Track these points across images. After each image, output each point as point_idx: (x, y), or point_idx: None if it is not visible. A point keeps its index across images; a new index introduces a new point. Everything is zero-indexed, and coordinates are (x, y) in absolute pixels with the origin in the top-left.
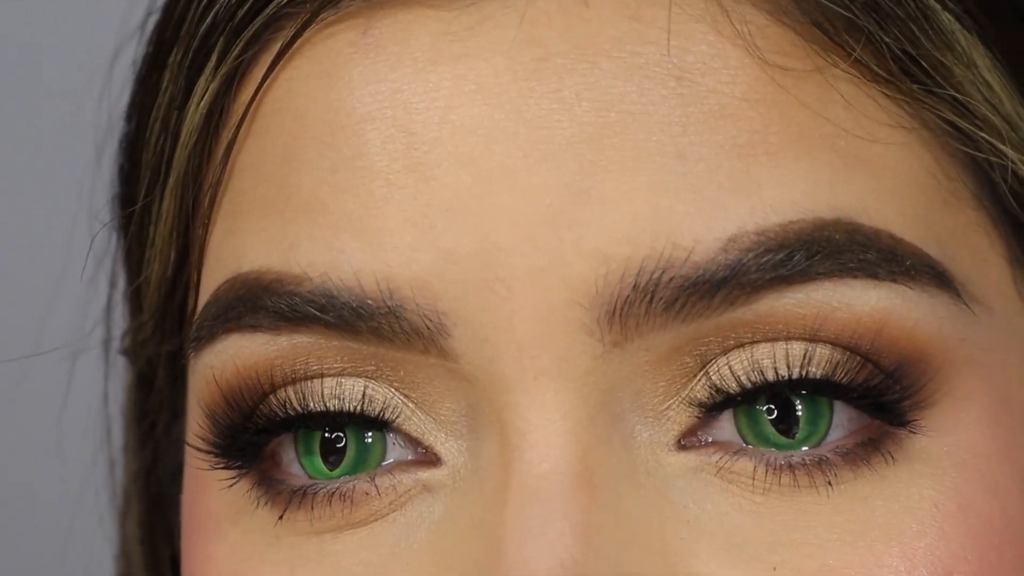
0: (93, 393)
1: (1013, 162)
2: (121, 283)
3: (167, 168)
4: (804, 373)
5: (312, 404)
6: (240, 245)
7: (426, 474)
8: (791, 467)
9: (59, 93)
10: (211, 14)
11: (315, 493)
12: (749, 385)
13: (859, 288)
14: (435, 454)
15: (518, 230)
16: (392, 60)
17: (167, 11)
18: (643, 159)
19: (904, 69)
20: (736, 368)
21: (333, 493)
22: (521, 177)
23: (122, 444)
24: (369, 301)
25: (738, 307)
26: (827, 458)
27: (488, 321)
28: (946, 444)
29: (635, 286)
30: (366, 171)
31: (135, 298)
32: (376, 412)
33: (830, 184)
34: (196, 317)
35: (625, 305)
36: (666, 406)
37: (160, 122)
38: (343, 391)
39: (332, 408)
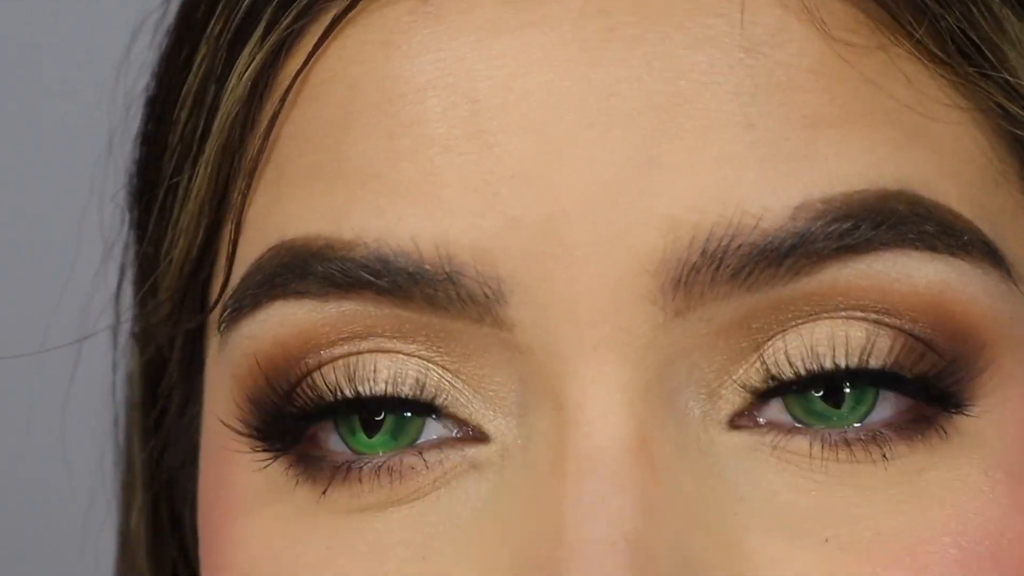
0: (100, 384)
1: None
2: (131, 272)
3: (200, 143)
4: (864, 361)
5: (364, 388)
6: (285, 213)
7: (473, 450)
8: (847, 443)
9: (72, 76)
10: None
11: (361, 468)
12: (804, 373)
13: (918, 260)
14: (483, 432)
15: (584, 198)
16: (453, 29)
17: None
18: (712, 128)
19: (961, 50)
20: (792, 354)
21: (380, 467)
22: (588, 145)
23: (125, 436)
24: (426, 266)
25: (802, 277)
26: (882, 433)
27: (548, 288)
28: (993, 421)
29: (703, 252)
30: (425, 138)
31: (151, 281)
32: (429, 398)
33: (894, 157)
34: (235, 288)
35: (692, 272)
36: (719, 383)
37: (193, 96)
38: (396, 374)
39: (387, 392)
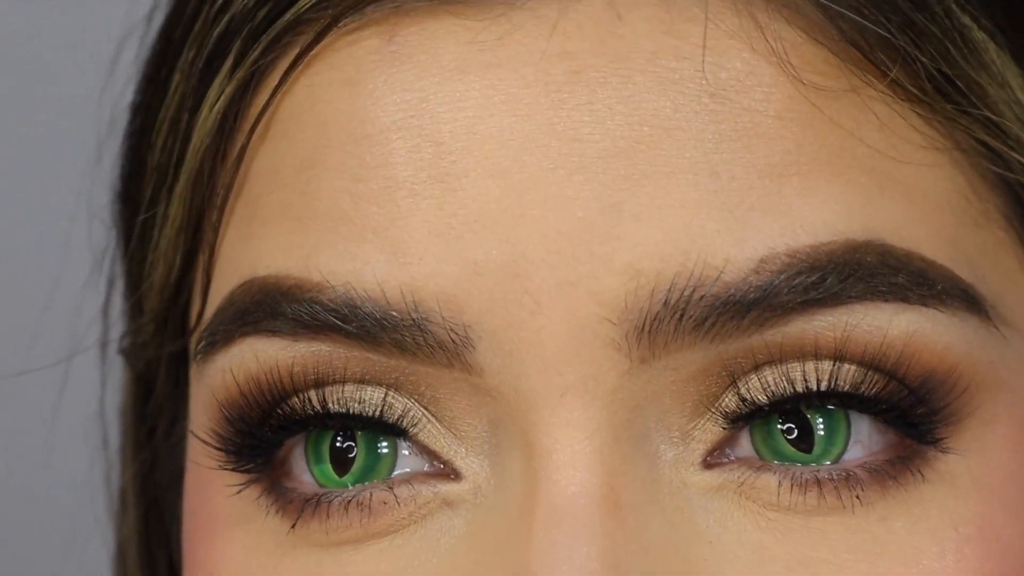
0: (89, 397)
1: None
2: (120, 284)
3: (176, 171)
4: (832, 386)
5: (332, 405)
6: (256, 249)
7: (446, 488)
8: (818, 482)
9: (59, 90)
10: (227, 16)
11: (330, 502)
12: (777, 396)
13: (889, 311)
14: (454, 469)
15: (548, 243)
16: (418, 69)
17: (177, 10)
18: (676, 175)
19: (939, 88)
20: (766, 379)
21: (350, 501)
22: (552, 189)
23: (119, 447)
24: (393, 313)
25: (767, 329)
26: (854, 474)
27: (514, 335)
28: (970, 465)
29: (665, 302)
30: (390, 180)
31: (135, 299)
32: (395, 419)
33: (862, 206)
34: (209, 321)
35: (655, 321)
36: (692, 425)
37: (168, 123)
38: (364, 395)
39: (352, 411)
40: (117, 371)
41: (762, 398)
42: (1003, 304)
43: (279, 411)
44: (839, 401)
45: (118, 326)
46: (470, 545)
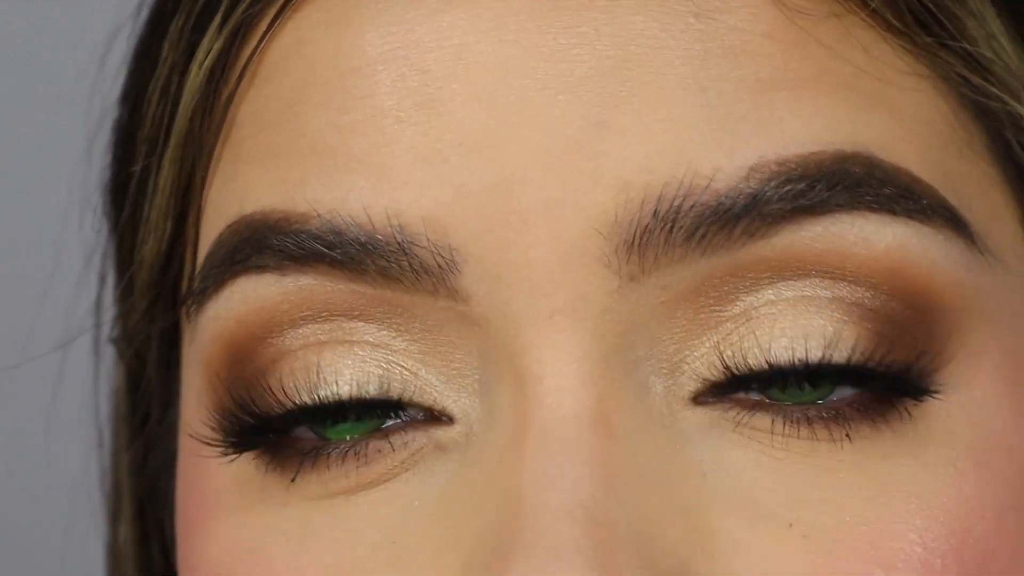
0: (83, 392)
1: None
2: (111, 279)
3: (166, 136)
4: (828, 358)
5: (326, 393)
6: (242, 189)
7: (439, 432)
8: (808, 420)
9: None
10: None
11: (328, 454)
12: (766, 367)
13: (876, 222)
14: (448, 414)
15: (535, 163)
16: (404, 3)
17: None
18: (663, 92)
19: (919, 20)
20: (751, 360)
21: (347, 451)
22: (538, 110)
23: (111, 435)
24: (378, 236)
25: (757, 239)
26: (844, 412)
27: (501, 257)
28: (961, 401)
29: (655, 213)
30: (375, 110)
31: (126, 281)
32: (396, 396)
33: (851, 119)
34: (200, 269)
35: (645, 234)
36: (680, 358)
37: (159, 92)
38: (359, 378)
39: (352, 395)
40: (109, 369)
41: (746, 371)
42: (988, 235)
43: (268, 404)
44: (831, 377)
45: (110, 323)
46: (461, 483)
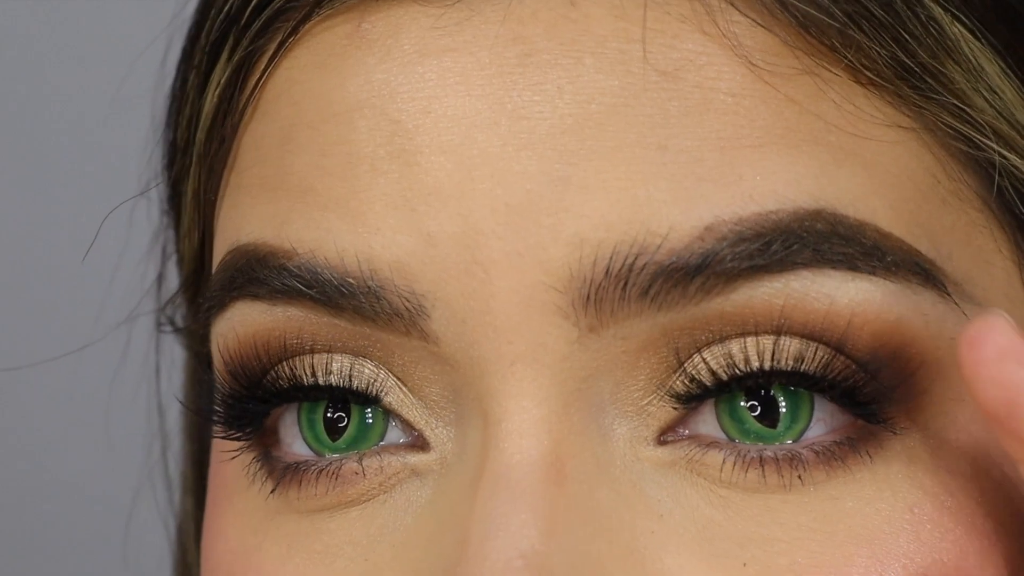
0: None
1: (1018, 168)
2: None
3: (191, 150)
4: (775, 364)
5: (301, 377)
6: (240, 218)
7: (415, 458)
8: (761, 461)
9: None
10: (228, 5)
11: (305, 470)
12: (724, 377)
13: (838, 279)
14: (425, 440)
15: (497, 215)
16: (382, 53)
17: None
18: (623, 149)
19: (900, 75)
20: (710, 360)
21: (322, 471)
22: (501, 164)
23: (181, 428)
24: (350, 280)
25: (714, 297)
26: (799, 454)
27: (466, 304)
28: (930, 446)
29: (607, 271)
30: (352, 156)
31: (184, 276)
32: (364, 387)
33: (815, 176)
34: (209, 287)
35: (599, 290)
36: (646, 401)
37: (190, 106)
38: (330, 366)
39: (320, 382)
40: (171, 352)
41: (708, 379)
42: (973, 283)
43: (262, 383)
44: (787, 379)
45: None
46: (431, 513)
